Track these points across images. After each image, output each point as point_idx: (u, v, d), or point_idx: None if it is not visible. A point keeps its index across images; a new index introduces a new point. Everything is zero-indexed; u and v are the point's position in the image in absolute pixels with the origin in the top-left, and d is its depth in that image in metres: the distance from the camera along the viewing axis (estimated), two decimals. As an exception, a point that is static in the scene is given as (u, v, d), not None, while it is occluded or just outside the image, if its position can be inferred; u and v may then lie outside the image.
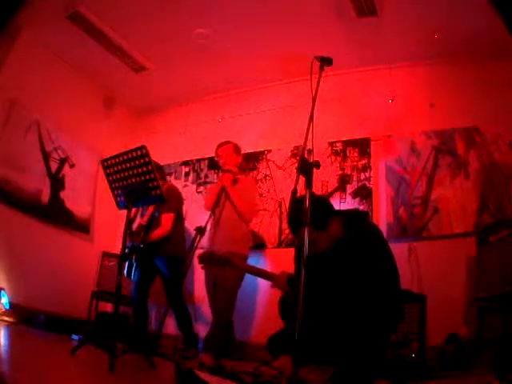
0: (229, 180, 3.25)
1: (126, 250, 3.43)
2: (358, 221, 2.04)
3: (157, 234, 3.35)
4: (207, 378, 1.64)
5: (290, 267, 2.24)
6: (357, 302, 1.81)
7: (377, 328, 1.81)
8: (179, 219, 3.54)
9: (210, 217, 3.17)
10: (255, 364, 1.93)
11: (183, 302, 3.43)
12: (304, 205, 1.64)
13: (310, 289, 1.62)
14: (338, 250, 1.95)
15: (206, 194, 3.54)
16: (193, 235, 3.48)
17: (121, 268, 2.33)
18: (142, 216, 3.49)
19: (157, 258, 3.40)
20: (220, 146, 3.49)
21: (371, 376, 1.82)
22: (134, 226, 3.54)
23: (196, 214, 4.37)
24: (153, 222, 3.40)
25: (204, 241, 3.16)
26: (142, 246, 3.30)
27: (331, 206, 2.09)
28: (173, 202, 3.47)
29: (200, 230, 2.96)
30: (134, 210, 3.58)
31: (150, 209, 3.43)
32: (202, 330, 3.76)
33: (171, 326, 4.18)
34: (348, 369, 1.76)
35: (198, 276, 4.12)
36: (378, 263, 1.86)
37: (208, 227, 3.18)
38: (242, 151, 4.49)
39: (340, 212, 2.13)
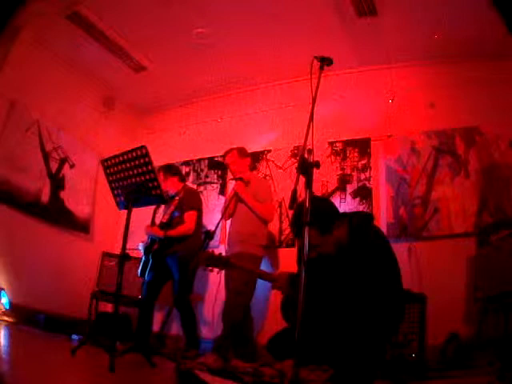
0: (241, 187, 3.30)
1: (142, 249, 3.46)
2: (363, 224, 2.04)
3: (181, 229, 3.37)
4: (207, 378, 1.64)
5: (289, 267, 2.24)
6: (359, 303, 1.81)
7: (378, 328, 1.81)
8: (199, 219, 3.56)
9: (219, 221, 3.20)
10: (255, 364, 1.93)
11: (190, 303, 3.42)
12: (305, 206, 1.63)
13: (313, 290, 1.62)
14: (342, 253, 1.95)
15: (224, 203, 3.70)
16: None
17: (121, 268, 2.33)
18: (163, 214, 3.51)
19: (170, 256, 3.39)
20: (225, 154, 3.53)
21: (371, 376, 1.82)
22: (156, 222, 3.58)
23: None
24: (173, 221, 3.42)
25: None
26: (162, 238, 3.31)
27: (336, 209, 2.08)
28: (194, 201, 3.50)
29: (208, 234, 2.96)
30: (154, 206, 3.65)
31: (171, 208, 3.45)
32: (206, 332, 3.78)
33: (174, 327, 4.19)
34: (348, 369, 1.76)
35: (200, 277, 4.12)
36: (381, 266, 1.86)
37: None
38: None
39: (345, 215, 2.12)
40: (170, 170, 3.68)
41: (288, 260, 3.64)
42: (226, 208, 3.34)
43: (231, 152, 3.49)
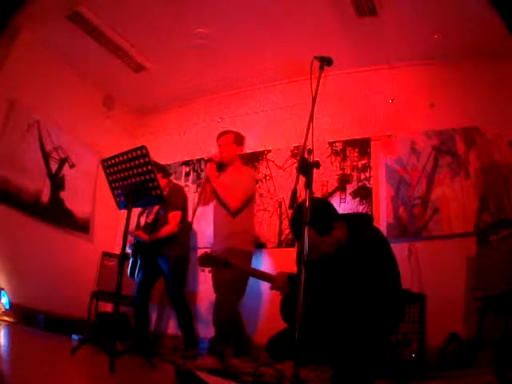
0: (212, 169, 3.13)
1: (129, 249, 3.45)
2: (363, 225, 2.04)
3: (165, 231, 3.35)
4: (207, 378, 1.64)
5: (289, 267, 2.24)
6: (358, 303, 1.81)
7: (378, 329, 1.81)
8: (184, 218, 3.53)
9: (194, 212, 3.05)
10: (255, 364, 1.93)
11: (185, 302, 3.42)
12: (304, 206, 1.64)
13: (312, 290, 1.62)
14: (342, 254, 1.95)
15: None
16: (196, 235, 3.41)
17: (121, 268, 2.32)
18: (148, 214, 3.49)
19: (160, 257, 3.38)
20: (220, 135, 3.33)
21: (371, 376, 1.82)
22: (141, 223, 3.56)
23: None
24: (158, 221, 3.41)
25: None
26: (148, 242, 3.30)
27: (335, 210, 2.08)
28: (179, 200, 3.48)
29: (186, 226, 2.93)
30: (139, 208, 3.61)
31: (156, 207, 3.43)
32: (203, 331, 3.77)
33: (172, 326, 4.19)
34: (348, 369, 1.76)
35: (201, 276, 4.12)
36: (380, 266, 1.86)
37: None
38: (242, 151, 4.50)
39: (344, 216, 2.12)
40: (157, 167, 3.63)
41: (288, 260, 3.64)
42: (201, 193, 3.19)
43: (227, 134, 3.30)
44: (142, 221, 3.56)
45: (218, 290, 3.00)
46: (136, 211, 3.01)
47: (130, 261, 3.46)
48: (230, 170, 3.27)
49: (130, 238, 3.49)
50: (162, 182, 3.59)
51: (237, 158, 3.29)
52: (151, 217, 3.41)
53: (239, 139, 3.32)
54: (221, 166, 3.28)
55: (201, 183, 4.80)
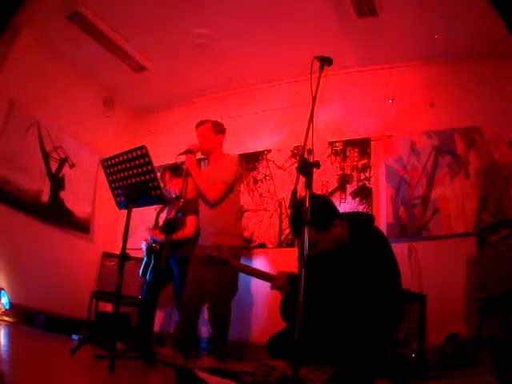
0: (191, 161, 3.05)
1: (145, 248, 3.45)
2: (364, 224, 2.04)
3: (181, 234, 3.34)
4: (207, 378, 1.64)
5: (289, 267, 2.24)
6: (358, 303, 1.81)
7: (378, 328, 1.81)
8: None
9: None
10: (255, 364, 1.92)
11: None
12: (304, 205, 1.64)
13: (313, 289, 1.62)
14: (342, 253, 1.95)
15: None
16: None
17: (121, 268, 2.32)
18: (168, 214, 3.49)
19: (172, 257, 3.37)
20: (198, 125, 3.24)
21: (371, 376, 1.82)
22: (159, 222, 3.58)
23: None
24: (176, 223, 3.40)
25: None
26: (164, 242, 3.29)
27: (335, 208, 2.08)
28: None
29: (170, 222, 2.94)
30: (158, 206, 3.65)
31: (176, 209, 3.42)
32: (204, 331, 3.77)
33: (173, 327, 4.19)
34: (349, 369, 1.76)
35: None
36: (380, 266, 1.86)
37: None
38: (242, 151, 4.51)
39: (345, 214, 2.12)
40: (176, 171, 3.66)
41: (288, 260, 3.64)
42: (182, 186, 3.06)
43: (205, 124, 3.20)
44: (161, 220, 3.57)
45: (210, 290, 2.92)
46: (143, 210, 2.99)
47: (144, 260, 3.46)
48: (211, 160, 3.21)
49: (147, 237, 3.50)
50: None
51: (217, 147, 3.20)
52: (169, 218, 3.41)
53: (218, 128, 3.22)
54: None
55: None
